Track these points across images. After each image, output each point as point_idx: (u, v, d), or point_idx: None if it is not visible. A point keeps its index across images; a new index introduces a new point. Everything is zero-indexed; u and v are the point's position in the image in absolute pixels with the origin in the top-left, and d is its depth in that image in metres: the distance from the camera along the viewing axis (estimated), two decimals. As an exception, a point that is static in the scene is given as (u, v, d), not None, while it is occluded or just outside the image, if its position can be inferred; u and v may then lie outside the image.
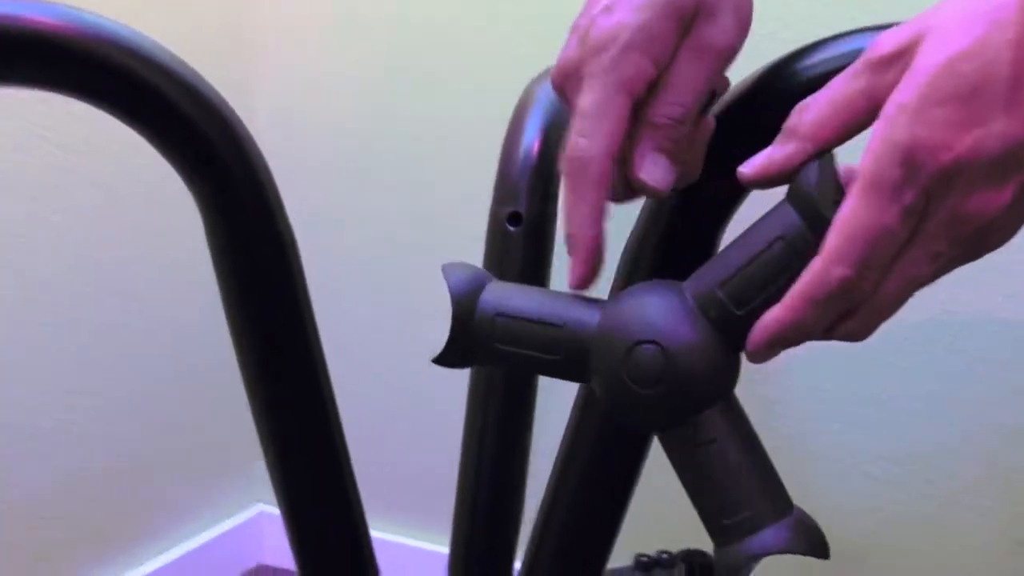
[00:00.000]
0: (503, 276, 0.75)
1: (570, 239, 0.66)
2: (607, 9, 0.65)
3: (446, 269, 0.65)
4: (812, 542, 0.62)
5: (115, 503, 1.74)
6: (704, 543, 1.18)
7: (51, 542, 1.64)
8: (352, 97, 1.83)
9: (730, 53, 0.66)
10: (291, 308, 0.75)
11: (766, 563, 0.63)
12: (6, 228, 1.51)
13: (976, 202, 0.53)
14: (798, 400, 1.58)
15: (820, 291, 0.56)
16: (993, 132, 0.51)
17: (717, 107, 0.73)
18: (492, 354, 0.64)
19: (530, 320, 0.63)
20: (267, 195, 0.71)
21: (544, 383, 0.94)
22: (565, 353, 0.62)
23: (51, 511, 1.63)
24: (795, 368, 1.56)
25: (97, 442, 1.69)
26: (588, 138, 0.65)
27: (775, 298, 0.58)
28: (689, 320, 0.59)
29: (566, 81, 0.69)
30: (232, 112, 0.70)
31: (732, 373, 0.62)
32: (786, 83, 0.68)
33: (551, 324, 0.62)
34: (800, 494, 1.52)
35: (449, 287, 0.63)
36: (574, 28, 0.69)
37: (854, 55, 0.58)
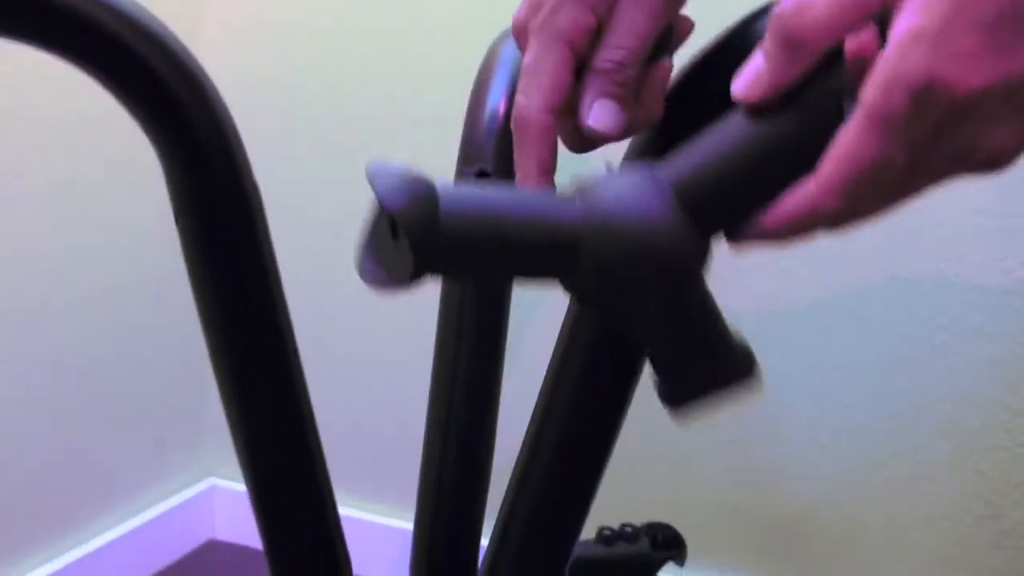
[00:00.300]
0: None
1: None
2: None
3: (380, 172, 0.56)
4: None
5: (57, 477, 1.71)
6: (667, 518, 1.21)
7: (23, 510, 1.62)
8: (305, 51, 1.80)
9: None
10: (257, 268, 0.71)
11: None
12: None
13: (990, 137, 0.49)
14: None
15: (807, 217, 0.54)
16: (1018, 67, 0.47)
17: (687, 64, 0.70)
18: (466, 261, 0.59)
19: (506, 217, 0.57)
20: (233, 151, 0.68)
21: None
22: (550, 246, 0.58)
23: (11, 484, 1.61)
24: (751, 335, 1.55)
25: (37, 411, 1.66)
26: (527, 95, 0.66)
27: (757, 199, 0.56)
28: (667, 205, 0.56)
29: (519, 39, 0.69)
30: (198, 65, 0.67)
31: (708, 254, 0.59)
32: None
33: (529, 219, 0.58)
34: (761, 464, 1.54)
35: (401, 192, 0.54)
36: None
37: None
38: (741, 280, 1.49)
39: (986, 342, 1.45)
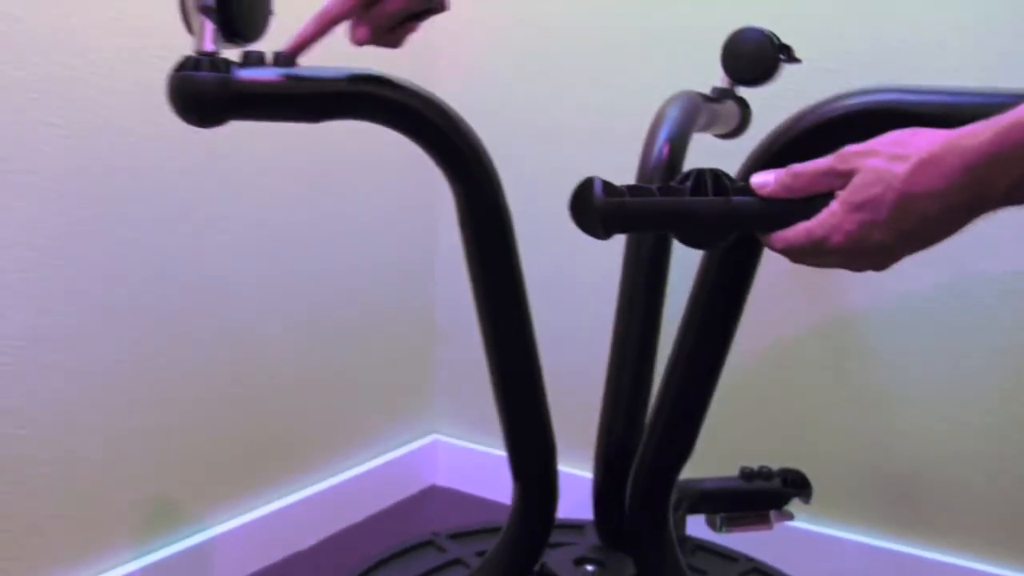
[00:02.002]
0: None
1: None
2: None
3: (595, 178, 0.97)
4: None
5: (316, 424, 2.07)
6: (799, 466, 1.48)
7: (280, 440, 1.96)
8: (520, 87, 2.13)
9: None
10: (508, 258, 1.13)
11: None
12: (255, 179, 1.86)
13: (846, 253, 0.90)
14: (875, 351, 1.81)
15: (795, 244, 0.93)
16: (876, 239, 0.86)
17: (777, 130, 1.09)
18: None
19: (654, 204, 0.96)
20: (493, 181, 1.11)
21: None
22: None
23: (276, 415, 1.96)
24: (873, 320, 1.80)
25: (303, 369, 2.01)
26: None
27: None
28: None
29: None
30: (471, 130, 1.11)
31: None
32: (820, 116, 1.01)
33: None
34: (882, 428, 1.74)
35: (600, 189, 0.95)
36: None
37: (856, 107, 0.97)
38: (872, 282, 1.74)
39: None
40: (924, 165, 0.82)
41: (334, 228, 2.03)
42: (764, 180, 0.94)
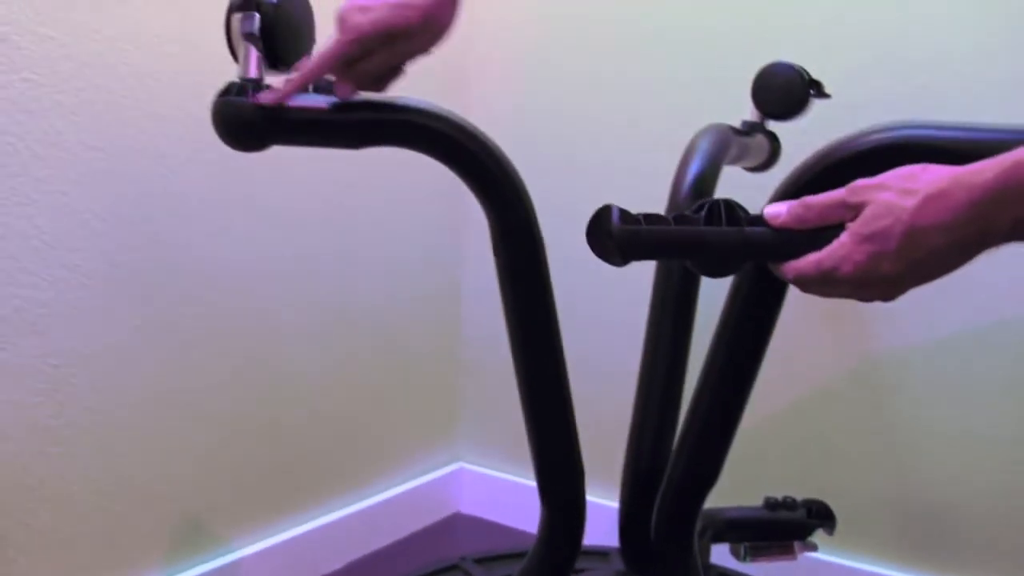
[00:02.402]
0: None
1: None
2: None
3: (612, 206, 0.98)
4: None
5: (346, 449, 2.09)
6: (823, 498, 1.49)
7: (308, 465, 1.98)
8: (551, 127, 2.16)
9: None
10: (540, 284, 1.15)
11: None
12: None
13: (857, 282, 0.92)
14: (909, 386, 1.81)
15: (805, 274, 0.96)
16: (883, 270, 0.89)
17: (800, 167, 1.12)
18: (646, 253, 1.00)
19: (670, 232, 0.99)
20: (528, 209, 1.14)
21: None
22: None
23: (304, 440, 1.97)
24: (899, 356, 1.81)
25: (341, 392, 2.03)
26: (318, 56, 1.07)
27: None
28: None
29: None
30: (507, 159, 1.13)
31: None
32: (845, 151, 1.04)
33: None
34: (909, 462, 1.74)
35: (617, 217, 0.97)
36: None
37: (880, 142, 1.01)
38: (899, 318, 1.78)
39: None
40: (932, 199, 0.86)
41: (363, 258, 2.06)
42: (777, 211, 0.97)
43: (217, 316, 1.75)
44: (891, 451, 1.86)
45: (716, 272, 0.99)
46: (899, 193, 0.88)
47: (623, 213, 0.96)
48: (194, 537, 1.78)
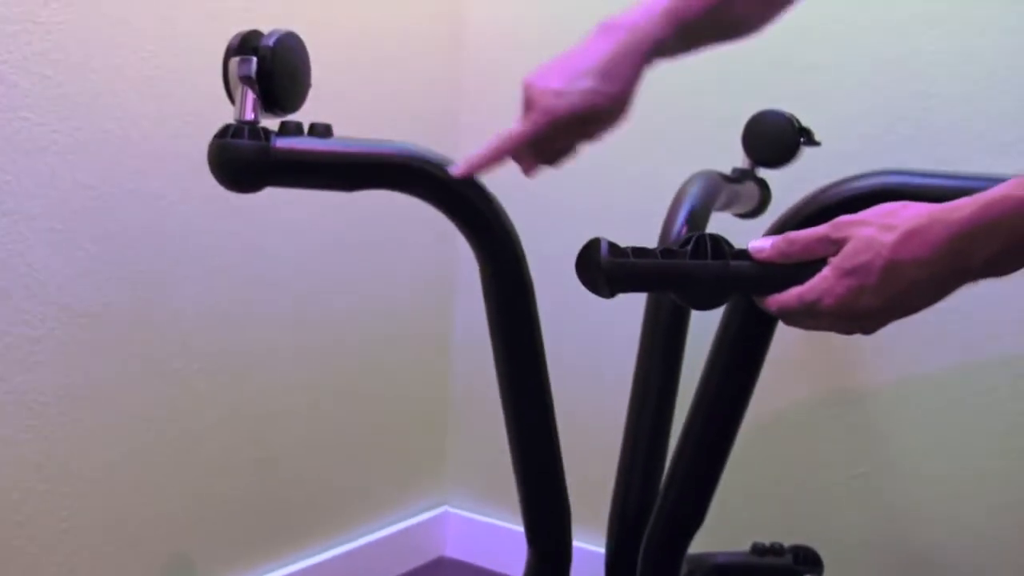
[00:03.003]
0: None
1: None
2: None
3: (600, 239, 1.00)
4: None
5: (325, 492, 2.07)
6: (810, 542, 1.50)
7: (290, 506, 1.96)
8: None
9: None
10: (529, 328, 1.17)
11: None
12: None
13: (837, 318, 0.94)
14: (887, 429, 1.82)
15: (786, 307, 0.96)
16: (864, 305, 0.91)
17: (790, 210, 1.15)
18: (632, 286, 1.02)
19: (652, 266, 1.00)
20: (519, 256, 1.17)
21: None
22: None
23: (286, 482, 1.96)
24: (885, 396, 1.81)
25: (325, 432, 2.03)
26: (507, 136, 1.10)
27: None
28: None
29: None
30: (500, 206, 1.14)
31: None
32: (831, 197, 1.09)
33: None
34: (896, 504, 1.73)
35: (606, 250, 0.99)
36: None
37: (864, 188, 1.06)
38: (884, 357, 1.79)
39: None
40: (912, 235, 0.88)
41: (352, 295, 2.06)
42: (761, 245, 0.98)
43: (205, 357, 1.75)
44: (879, 494, 1.86)
45: (702, 304, 1.01)
46: (880, 229, 0.90)
47: (611, 246, 0.98)
48: (179, 578, 1.77)
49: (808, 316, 0.95)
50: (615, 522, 1.39)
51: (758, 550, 1.49)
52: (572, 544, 1.31)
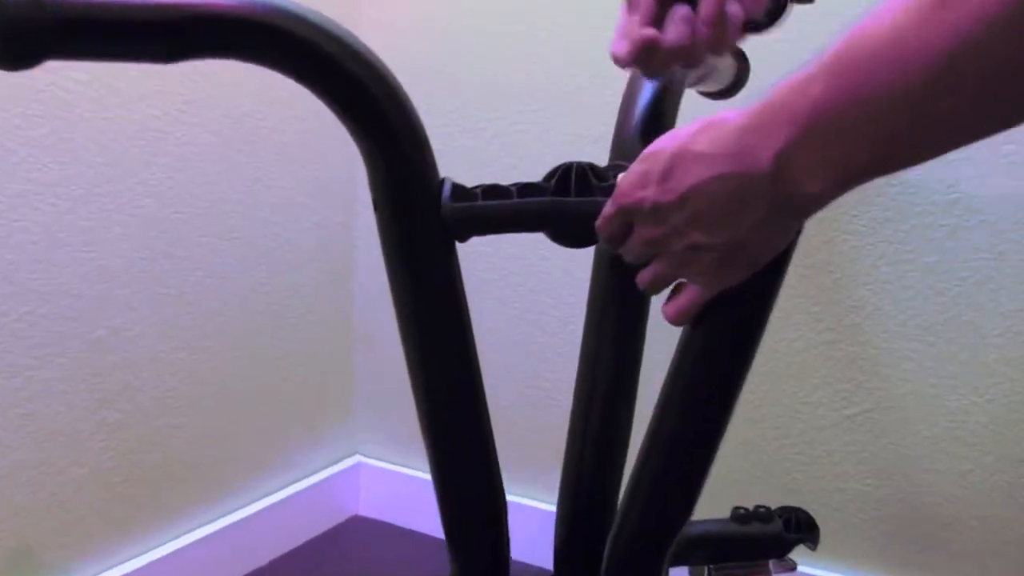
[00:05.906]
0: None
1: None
2: None
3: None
4: None
5: (217, 448, 1.85)
6: (797, 503, 1.28)
7: (169, 469, 1.75)
8: (452, 47, 1.93)
9: None
10: (440, 245, 0.90)
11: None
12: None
13: (645, 233, 0.83)
14: (889, 360, 1.64)
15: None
16: (649, 196, 0.81)
17: None
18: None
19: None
20: (426, 155, 0.88)
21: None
22: None
23: (161, 440, 1.73)
24: (888, 329, 1.62)
25: (208, 384, 1.80)
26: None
27: None
28: None
29: None
30: (405, 93, 0.85)
31: None
32: None
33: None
34: (894, 456, 1.58)
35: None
36: None
37: None
38: (888, 311, 1.57)
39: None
40: (705, 128, 0.80)
41: (233, 212, 1.81)
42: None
43: (43, 288, 1.51)
44: (875, 442, 1.67)
45: (572, 245, 0.93)
46: (692, 125, 0.82)
47: (456, 188, 0.91)
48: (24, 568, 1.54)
49: (621, 225, 0.86)
50: (566, 506, 1.10)
51: (740, 516, 1.28)
52: (510, 558, 1.00)
